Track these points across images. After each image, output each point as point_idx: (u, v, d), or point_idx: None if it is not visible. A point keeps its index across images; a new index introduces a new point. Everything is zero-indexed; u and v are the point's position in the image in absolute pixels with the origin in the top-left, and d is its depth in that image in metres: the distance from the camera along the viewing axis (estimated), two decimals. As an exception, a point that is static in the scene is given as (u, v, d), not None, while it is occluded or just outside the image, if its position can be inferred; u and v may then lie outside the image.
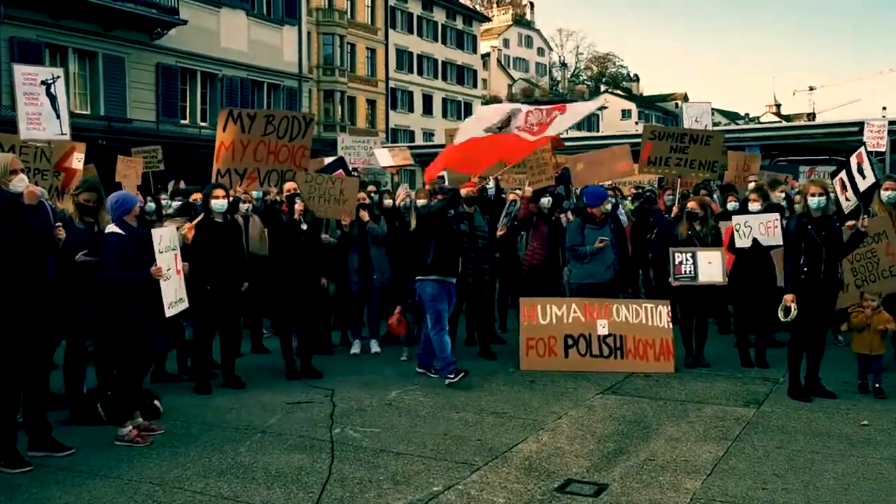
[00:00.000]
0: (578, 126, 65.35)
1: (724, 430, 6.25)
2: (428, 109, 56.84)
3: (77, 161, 9.01)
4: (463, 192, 8.58)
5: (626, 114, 77.44)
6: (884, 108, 54.46)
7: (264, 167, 9.36)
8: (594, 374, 8.13)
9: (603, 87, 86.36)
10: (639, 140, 10.30)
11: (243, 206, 9.46)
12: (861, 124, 18.39)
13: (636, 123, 69.12)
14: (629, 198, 13.75)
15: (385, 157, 13.02)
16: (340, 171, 10.66)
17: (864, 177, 7.67)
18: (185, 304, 6.27)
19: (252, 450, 5.77)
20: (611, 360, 8.39)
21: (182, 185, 12.57)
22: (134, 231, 6.00)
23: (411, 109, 55.48)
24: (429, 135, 52.97)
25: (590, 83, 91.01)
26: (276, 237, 8.34)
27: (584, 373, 8.20)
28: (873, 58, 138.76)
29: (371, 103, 51.27)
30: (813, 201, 7.07)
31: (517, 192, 9.74)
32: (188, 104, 27.32)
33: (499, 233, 8.99)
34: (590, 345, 8.44)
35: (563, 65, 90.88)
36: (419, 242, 8.06)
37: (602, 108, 67.12)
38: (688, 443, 5.95)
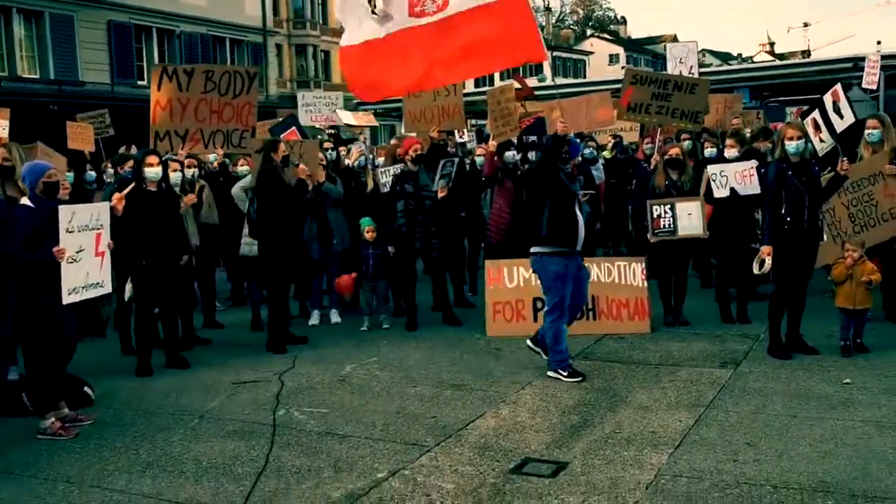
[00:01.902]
0: (563, 72, 64.60)
1: (697, 396, 6.01)
2: (406, 61, 56.00)
3: (1, 129, 8.58)
4: (406, 149, 8.28)
5: (613, 58, 76.43)
6: (878, 43, 53.92)
7: (208, 128, 8.91)
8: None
9: (589, 32, 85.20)
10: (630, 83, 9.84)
11: (189, 172, 9.13)
12: (854, 60, 17.99)
13: (623, 68, 68.27)
14: (608, 146, 13.39)
15: (348, 116, 12.63)
16: (293, 129, 10.25)
17: (841, 117, 7.33)
18: (106, 289, 5.90)
19: (186, 438, 5.49)
20: (583, 322, 8.08)
21: (134, 150, 12.14)
22: (45, 205, 5.62)
23: (388, 62, 54.61)
24: (407, 88, 52.09)
25: (576, 28, 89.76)
26: (276, 202, 7.93)
27: (555, 337, 7.94)
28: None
29: (345, 56, 50.41)
30: (791, 146, 6.74)
31: (482, 146, 9.39)
32: (145, 64, 26.58)
33: (440, 194, 8.63)
34: (560, 307, 8.16)
35: (548, 9, 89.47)
36: (527, 205, 6.71)
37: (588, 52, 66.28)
38: (658, 411, 5.71)
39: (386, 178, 8.97)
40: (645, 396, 6.06)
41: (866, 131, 7.82)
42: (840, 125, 7.38)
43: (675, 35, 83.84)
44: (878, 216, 7.66)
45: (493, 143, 9.33)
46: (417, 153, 8.62)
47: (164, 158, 7.60)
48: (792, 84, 25.06)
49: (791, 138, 6.73)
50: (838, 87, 7.70)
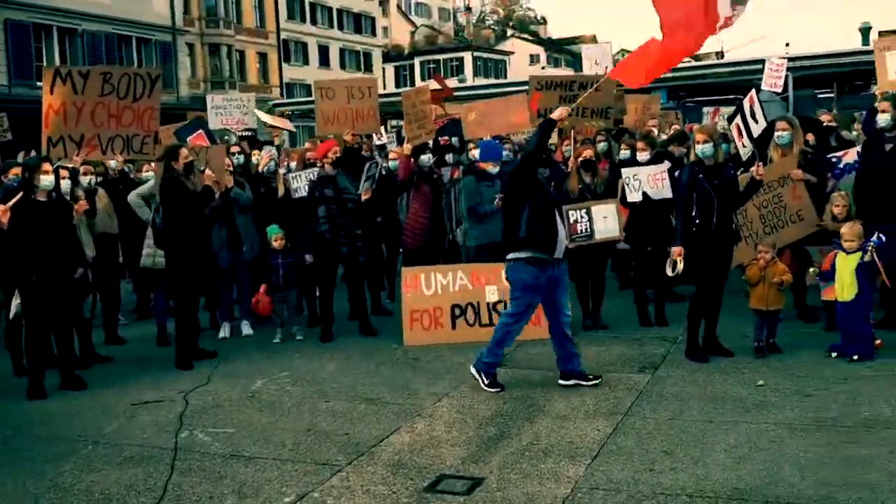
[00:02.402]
0: (484, 72, 65.05)
1: (615, 403, 5.99)
2: (325, 61, 55.38)
3: None
4: (324, 152, 8.12)
5: (534, 58, 77.37)
6: (787, 45, 56.08)
7: (106, 133, 8.52)
8: (484, 345, 7.76)
9: (510, 32, 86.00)
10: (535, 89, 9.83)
11: (85, 179, 8.74)
12: (765, 61, 18.58)
13: (543, 68, 69.14)
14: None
15: (266, 115, 12.26)
16: (200, 133, 9.89)
17: (756, 121, 7.46)
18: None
19: (78, 467, 5.16)
20: (502, 328, 8.04)
21: (33, 155, 11.55)
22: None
23: (306, 62, 53.95)
24: (327, 88, 51.65)
25: (496, 27, 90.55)
26: (181, 211, 7.57)
27: (475, 345, 7.82)
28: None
29: (262, 57, 49.53)
30: (699, 149, 6.83)
31: (396, 149, 9.25)
32: (45, 64, 25.45)
33: (364, 196, 8.47)
34: (479, 314, 8.09)
35: (468, 9, 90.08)
36: (505, 208, 6.51)
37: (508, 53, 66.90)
38: (576, 420, 5.66)
39: (297, 183, 8.73)
40: (563, 405, 6.01)
41: (776, 133, 7.98)
42: (756, 129, 7.51)
43: (595, 36, 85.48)
44: (786, 218, 7.83)
45: (407, 147, 9.19)
46: (334, 156, 8.43)
47: (55, 166, 7.20)
48: (707, 85, 25.76)
49: (699, 141, 6.82)
50: (753, 92, 7.83)
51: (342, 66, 57.18)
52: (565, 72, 56.45)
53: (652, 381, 6.50)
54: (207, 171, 7.73)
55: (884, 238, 6.76)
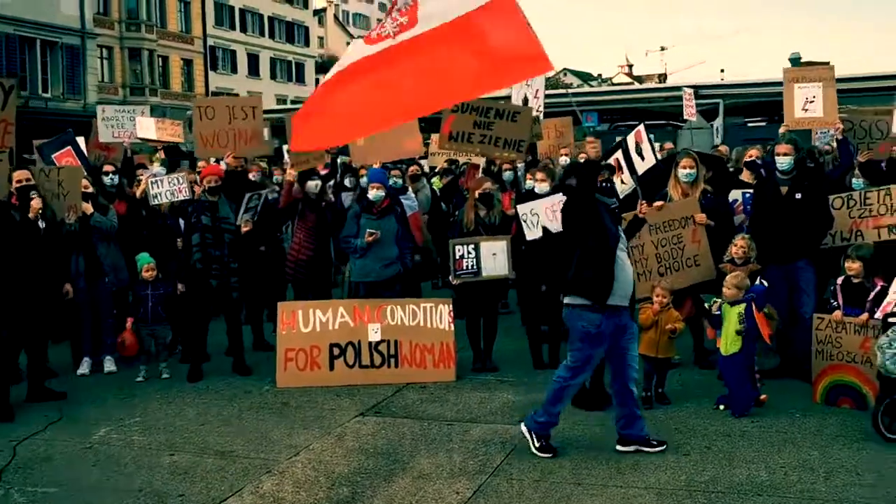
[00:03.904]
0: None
1: (484, 460, 5.70)
2: (254, 70, 54.59)
3: None
4: (203, 176, 7.68)
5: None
6: (722, 71, 57.53)
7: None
8: (363, 389, 7.45)
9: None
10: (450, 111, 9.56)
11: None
12: (697, 87, 18.85)
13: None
14: (440, 174, 13.17)
15: (148, 128, 11.59)
16: (68, 149, 9.34)
17: (642, 158, 7.31)
18: None
19: None
20: (383, 370, 7.73)
21: None
22: None
23: (234, 70, 53.08)
24: (254, 99, 50.93)
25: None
26: (7, 239, 7.07)
27: (353, 387, 7.51)
28: (727, 19, 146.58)
29: (187, 63, 48.54)
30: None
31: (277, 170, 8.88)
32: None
33: (243, 229, 8.10)
34: (359, 354, 7.74)
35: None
36: (560, 245, 5.91)
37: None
38: (437, 481, 5.35)
39: (158, 188, 8.36)
40: (427, 462, 5.69)
41: (681, 170, 7.84)
42: (641, 166, 7.37)
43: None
44: (682, 260, 7.69)
45: (291, 172, 8.82)
46: (215, 183, 8.04)
47: None
48: (642, 109, 26.05)
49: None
50: (641, 127, 7.72)
51: (272, 76, 56.50)
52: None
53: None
54: (35, 200, 7.16)
55: (766, 284, 6.66)
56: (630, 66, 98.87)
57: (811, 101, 9.28)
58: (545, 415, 5.80)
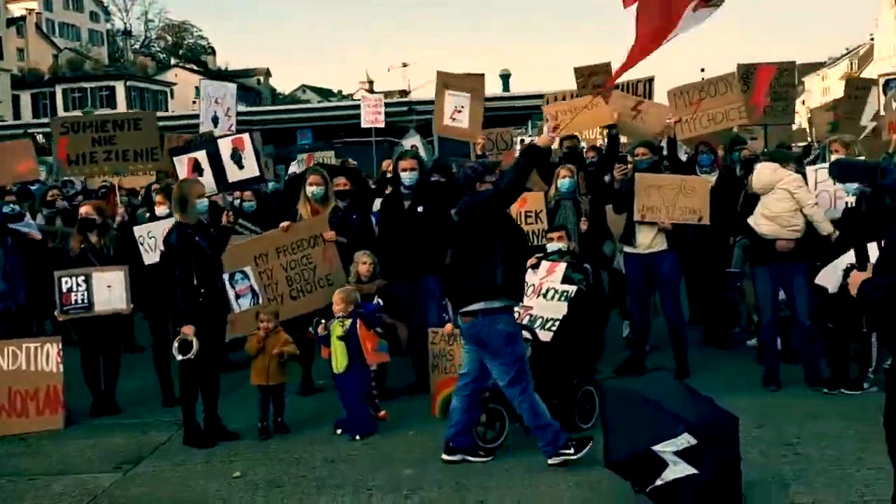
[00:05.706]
0: (141, 104, 61.73)
1: (50, 518, 5.23)
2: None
3: None
4: None
5: (199, 92, 75.40)
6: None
7: None
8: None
9: (174, 60, 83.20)
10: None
11: None
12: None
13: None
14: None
15: None
16: None
17: (241, 167, 7.24)
18: None
19: None
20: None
21: None
22: None
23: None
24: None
25: (163, 55, 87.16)
26: None
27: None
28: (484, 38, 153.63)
29: None
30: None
31: None
32: None
33: None
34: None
35: (128, 33, 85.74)
36: (467, 252, 5.65)
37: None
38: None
39: None
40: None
41: (308, 188, 7.76)
42: (236, 175, 7.28)
43: (269, 69, 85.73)
44: (314, 281, 7.64)
45: None
46: None
47: None
48: (353, 125, 26.45)
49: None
50: (245, 136, 7.64)
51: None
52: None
53: (120, 481, 5.83)
54: None
55: (381, 302, 6.77)
56: (371, 83, 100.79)
57: (459, 111, 9.60)
58: (548, 433, 5.60)
